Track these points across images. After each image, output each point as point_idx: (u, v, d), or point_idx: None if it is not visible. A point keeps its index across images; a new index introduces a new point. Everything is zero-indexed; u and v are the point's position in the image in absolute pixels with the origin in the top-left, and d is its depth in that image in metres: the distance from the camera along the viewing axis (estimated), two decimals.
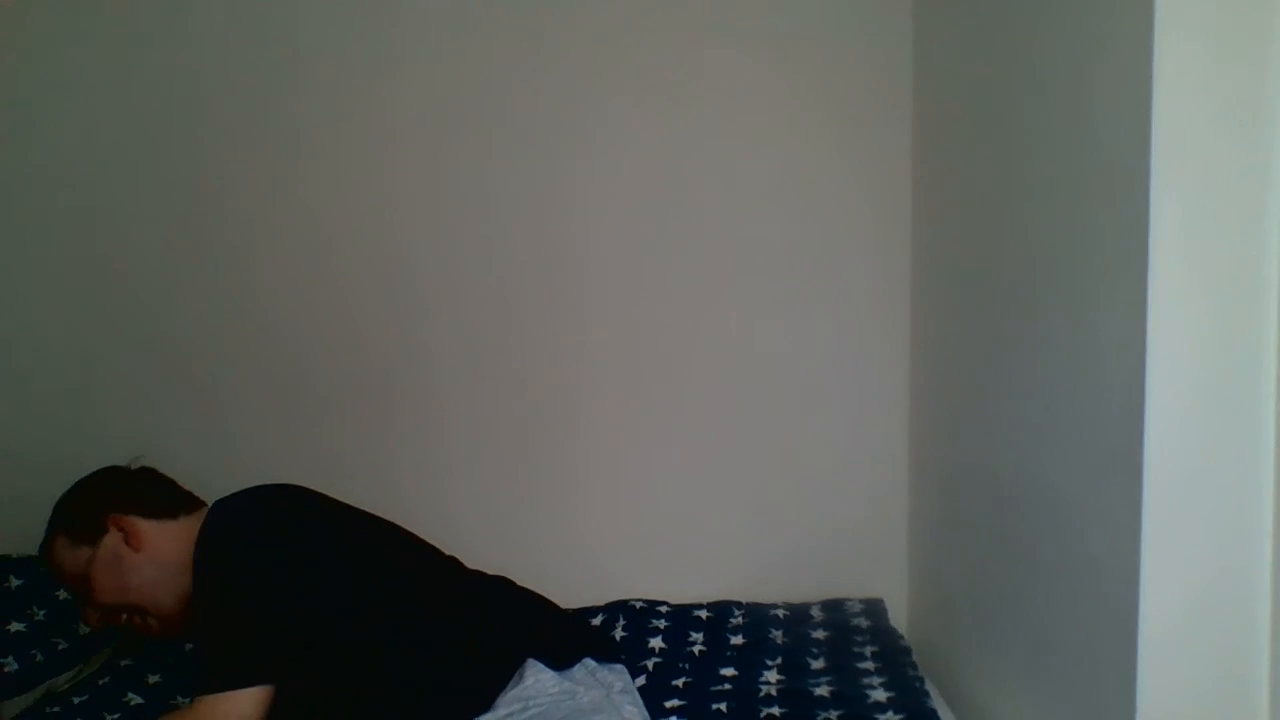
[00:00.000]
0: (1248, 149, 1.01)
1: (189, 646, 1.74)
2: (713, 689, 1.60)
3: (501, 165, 1.94)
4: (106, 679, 1.69)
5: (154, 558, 1.38)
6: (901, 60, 1.89)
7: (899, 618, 1.95)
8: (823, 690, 1.56)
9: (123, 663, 1.76)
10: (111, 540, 1.38)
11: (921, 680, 1.60)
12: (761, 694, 1.57)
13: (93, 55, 1.96)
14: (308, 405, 2.01)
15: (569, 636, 1.48)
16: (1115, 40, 1.08)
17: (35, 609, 1.73)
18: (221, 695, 1.23)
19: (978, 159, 1.58)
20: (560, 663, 1.37)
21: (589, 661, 1.40)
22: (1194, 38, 1.00)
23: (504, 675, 1.34)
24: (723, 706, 1.53)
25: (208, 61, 1.95)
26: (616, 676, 1.42)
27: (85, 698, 1.63)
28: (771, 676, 1.63)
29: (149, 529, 1.40)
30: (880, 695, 1.52)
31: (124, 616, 1.40)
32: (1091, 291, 1.16)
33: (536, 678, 1.32)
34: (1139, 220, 1.03)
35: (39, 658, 1.65)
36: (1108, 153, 1.11)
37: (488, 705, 1.31)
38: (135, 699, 1.63)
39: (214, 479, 1.78)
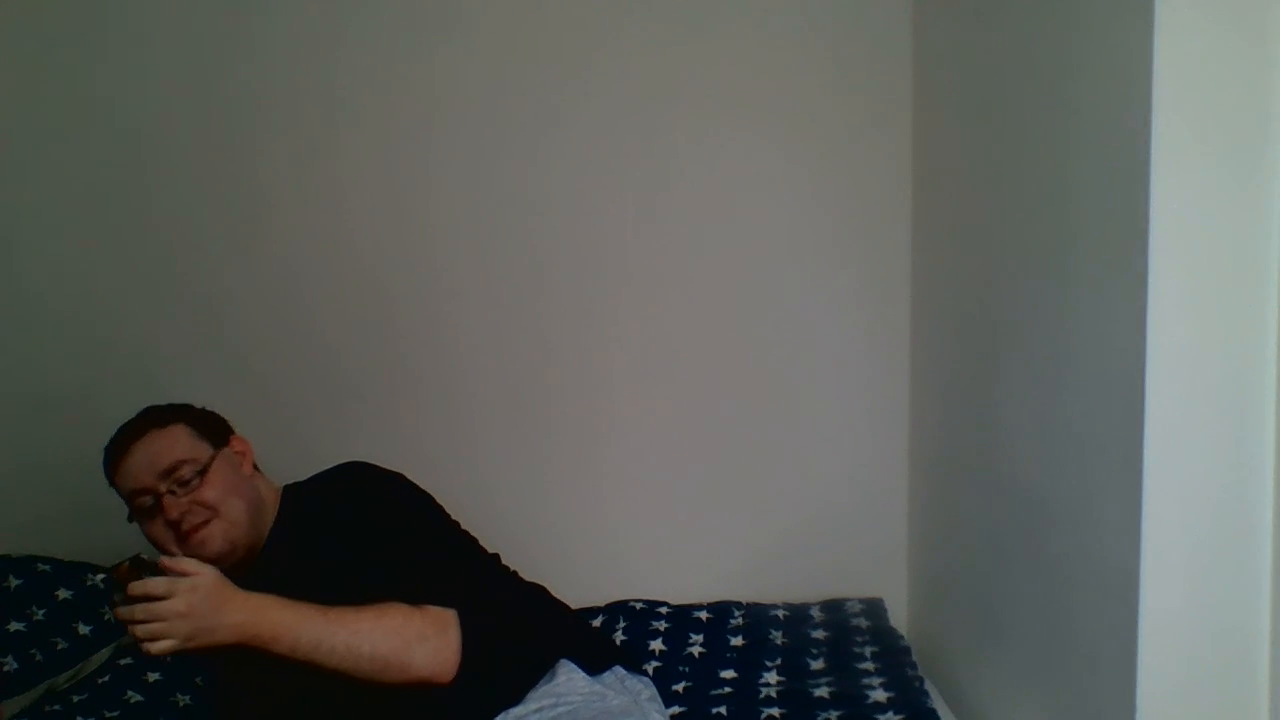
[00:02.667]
0: (1247, 150, 1.01)
1: None
2: (713, 692, 1.60)
3: (539, 167, 1.95)
4: (106, 678, 1.69)
5: (255, 486, 1.43)
6: (901, 60, 1.90)
7: (899, 616, 1.96)
8: (822, 691, 1.56)
9: (122, 661, 1.76)
10: (232, 451, 1.43)
11: (921, 680, 1.60)
12: (761, 695, 1.57)
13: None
14: (339, 390, 2.02)
15: (600, 645, 1.51)
16: (1116, 41, 1.09)
17: (35, 609, 1.73)
18: (450, 611, 1.29)
19: (977, 159, 1.58)
20: (591, 668, 1.38)
21: (619, 669, 1.43)
22: (1194, 38, 1.00)
23: (536, 672, 1.37)
24: (723, 710, 1.53)
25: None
26: (644, 686, 1.44)
27: (85, 696, 1.63)
28: (771, 678, 1.63)
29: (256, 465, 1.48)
30: (880, 695, 1.52)
31: (201, 519, 1.35)
32: (1092, 291, 1.16)
33: (569, 677, 1.35)
34: (1139, 220, 1.03)
35: (38, 657, 1.65)
36: (1108, 153, 1.11)
37: (518, 699, 1.33)
38: (135, 696, 1.63)
39: None
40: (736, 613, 1.87)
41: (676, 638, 1.77)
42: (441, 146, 1.96)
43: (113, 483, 1.40)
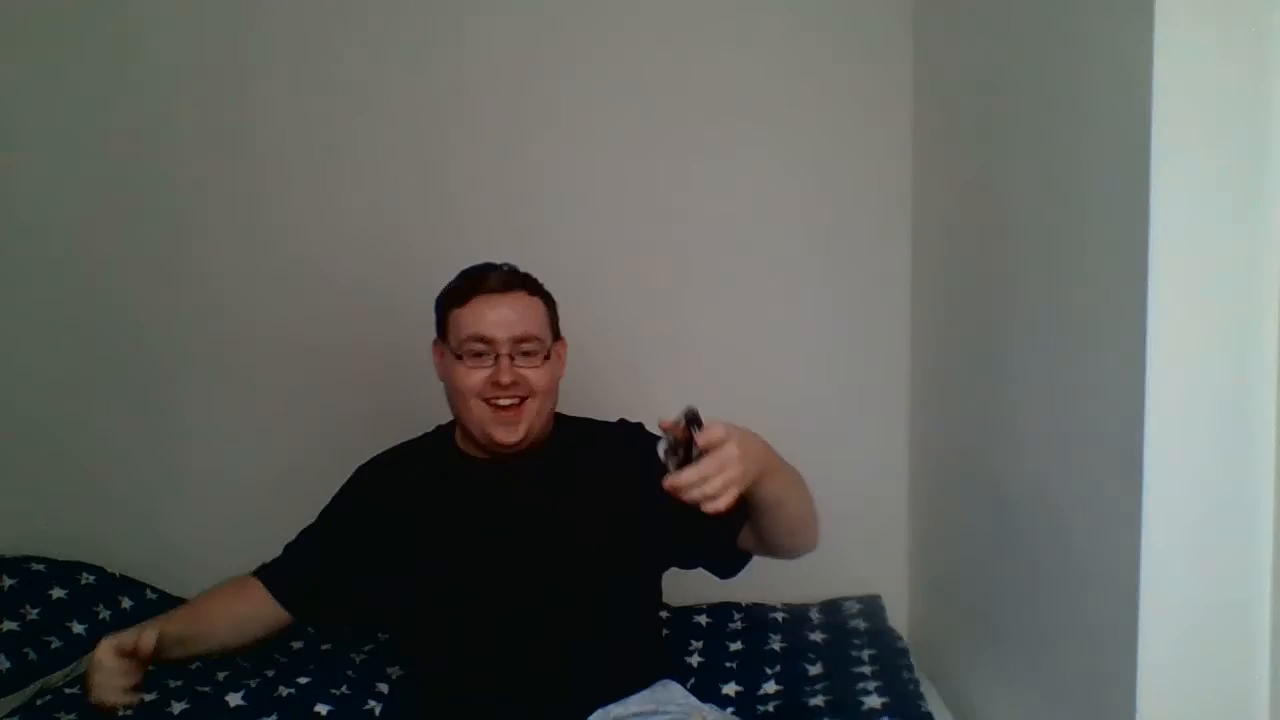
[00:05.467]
0: (1247, 150, 1.01)
1: None
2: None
3: (534, 169, 1.95)
4: None
5: (556, 392, 1.50)
6: (902, 60, 1.90)
7: (900, 615, 1.94)
8: (818, 700, 1.54)
9: None
10: (560, 348, 1.50)
11: (917, 683, 1.58)
12: (759, 712, 1.55)
13: (87, 62, 1.97)
14: (345, 382, 2.01)
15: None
16: (1115, 41, 1.09)
17: (28, 608, 1.72)
18: None
19: (978, 158, 1.58)
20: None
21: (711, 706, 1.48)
22: (1193, 38, 1.00)
23: (644, 679, 1.44)
24: None
25: (180, 75, 1.97)
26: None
27: (77, 690, 1.61)
28: (770, 688, 1.61)
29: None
30: (875, 701, 1.51)
31: (519, 396, 1.43)
32: (1092, 290, 1.16)
33: (666, 687, 1.43)
34: (1139, 220, 1.02)
35: (31, 656, 1.65)
36: (1108, 153, 1.11)
37: (619, 696, 1.39)
38: None
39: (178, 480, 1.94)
40: (736, 616, 1.85)
41: (675, 644, 1.76)
42: (402, 152, 1.96)
43: (449, 311, 1.45)
